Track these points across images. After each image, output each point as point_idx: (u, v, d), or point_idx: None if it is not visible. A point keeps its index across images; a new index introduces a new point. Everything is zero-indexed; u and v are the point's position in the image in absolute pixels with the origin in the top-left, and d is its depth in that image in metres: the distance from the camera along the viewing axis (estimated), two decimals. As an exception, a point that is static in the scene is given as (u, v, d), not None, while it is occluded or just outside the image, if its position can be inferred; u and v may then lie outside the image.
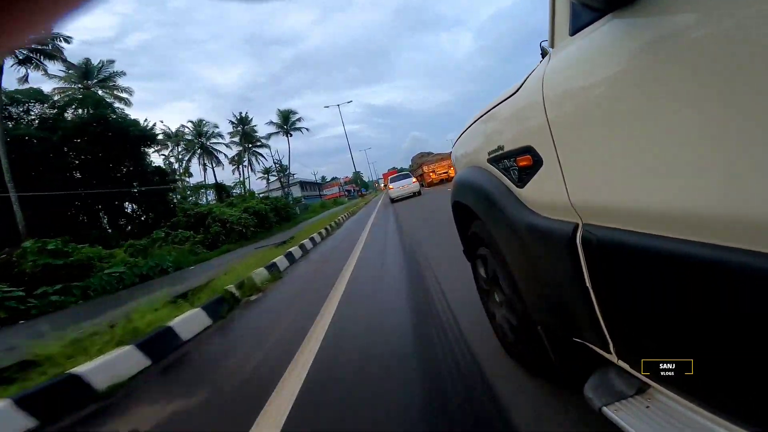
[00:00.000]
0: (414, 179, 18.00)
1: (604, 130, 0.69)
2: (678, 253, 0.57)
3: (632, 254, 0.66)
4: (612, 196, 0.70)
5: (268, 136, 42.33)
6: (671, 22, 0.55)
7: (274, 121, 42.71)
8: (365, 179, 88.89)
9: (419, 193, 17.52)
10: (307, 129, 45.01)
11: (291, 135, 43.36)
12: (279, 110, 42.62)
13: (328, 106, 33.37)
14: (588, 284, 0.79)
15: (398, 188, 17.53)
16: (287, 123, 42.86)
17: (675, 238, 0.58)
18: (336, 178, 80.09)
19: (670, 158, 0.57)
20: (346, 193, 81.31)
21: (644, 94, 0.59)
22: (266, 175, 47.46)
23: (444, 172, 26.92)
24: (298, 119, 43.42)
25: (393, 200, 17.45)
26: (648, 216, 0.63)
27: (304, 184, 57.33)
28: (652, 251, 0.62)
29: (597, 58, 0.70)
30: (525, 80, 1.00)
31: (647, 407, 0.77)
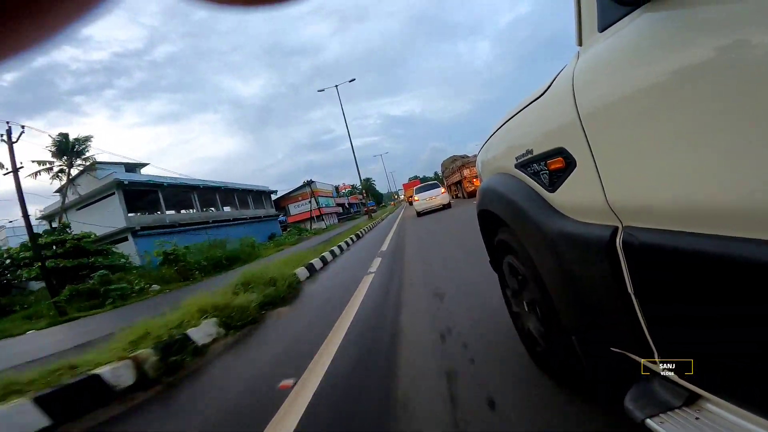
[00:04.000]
0: (442, 190, 15.29)
1: (643, 126, 0.66)
2: (731, 252, 0.53)
3: (680, 256, 0.62)
4: (656, 194, 0.66)
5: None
6: (707, 13, 0.53)
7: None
8: (378, 188, 68.44)
9: (449, 205, 14.90)
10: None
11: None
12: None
13: (323, 89, 23.53)
14: (630, 290, 0.75)
15: (425, 200, 14.89)
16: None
17: (728, 237, 0.54)
18: (310, 183, 39.20)
19: (718, 151, 0.54)
20: (341, 209, 53.09)
21: (684, 88, 0.57)
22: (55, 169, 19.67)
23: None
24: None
25: (419, 213, 14.70)
26: (697, 214, 0.59)
27: (212, 195, 25.66)
28: (703, 252, 0.58)
29: (630, 54, 0.68)
30: (553, 81, 0.98)
31: (697, 419, 0.71)
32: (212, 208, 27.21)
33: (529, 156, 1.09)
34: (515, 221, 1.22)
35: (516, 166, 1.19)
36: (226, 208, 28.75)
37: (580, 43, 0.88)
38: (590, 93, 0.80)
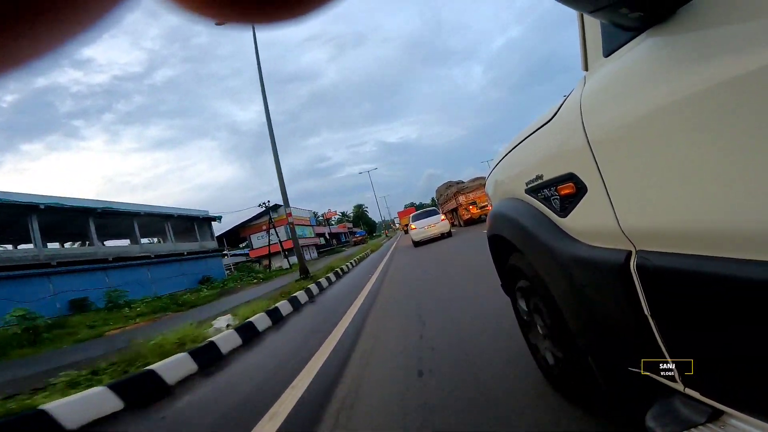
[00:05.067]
0: (442, 217, 14.00)
1: (653, 150, 0.67)
2: (750, 275, 0.54)
3: (697, 279, 0.63)
4: (668, 218, 0.67)
5: None
6: (710, 36, 0.55)
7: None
8: (369, 215, 67.70)
9: (449, 234, 13.49)
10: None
11: None
12: None
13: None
14: (647, 313, 0.76)
15: (422, 228, 13.33)
16: None
17: (746, 260, 0.56)
18: (270, 208, 22.99)
19: (726, 173, 0.55)
20: (322, 239, 43.01)
21: (692, 110, 0.58)
22: None
23: (488, 205, 14.58)
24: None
25: (416, 243, 13.33)
26: (711, 237, 0.60)
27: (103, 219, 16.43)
28: (720, 275, 0.59)
29: (637, 78, 0.70)
30: (560, 106, 1.00)
31: None
32: (103, 242, 18.14)
33: (539, 181, 1.10)
34: (527, 246, 1.23)
35: (526, 191, 1.21)
36: (144, 241, 19.74)
37: (586, 68, 0.90)
38: (598, 118, 0.81)
